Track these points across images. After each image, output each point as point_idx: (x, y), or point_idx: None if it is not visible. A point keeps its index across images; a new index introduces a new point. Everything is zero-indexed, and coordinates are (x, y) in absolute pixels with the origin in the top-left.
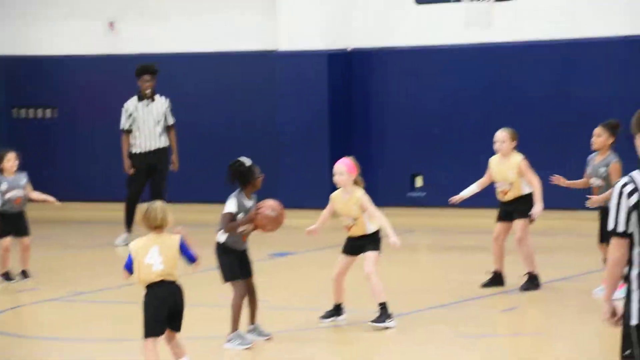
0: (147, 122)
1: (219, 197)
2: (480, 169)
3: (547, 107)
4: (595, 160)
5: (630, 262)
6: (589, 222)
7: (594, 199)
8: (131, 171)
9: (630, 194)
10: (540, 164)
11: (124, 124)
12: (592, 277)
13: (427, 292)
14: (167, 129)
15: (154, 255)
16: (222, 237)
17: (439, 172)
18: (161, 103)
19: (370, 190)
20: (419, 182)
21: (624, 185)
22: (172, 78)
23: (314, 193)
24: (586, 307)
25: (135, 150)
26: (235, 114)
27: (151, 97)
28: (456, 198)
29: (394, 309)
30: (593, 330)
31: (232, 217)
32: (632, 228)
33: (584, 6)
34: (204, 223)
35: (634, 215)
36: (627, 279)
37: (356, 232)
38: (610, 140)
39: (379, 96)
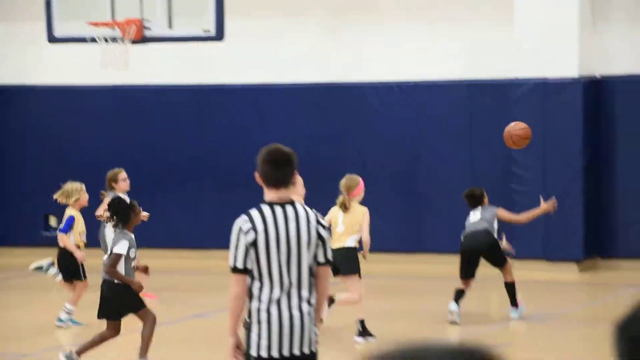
0: None
1: None
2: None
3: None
4: None
5: (250, 296)
6: None
7: None
8: None
9: (248, 231)
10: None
11: None
12: None
13: None
14: None
15: None
16: None
17: None
18: None
19: (1, 229)
20: (52, 221)
21: (243, 223)
22: None
23: None
24: None
25: None
26: None
27: None
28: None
29: None
30: None
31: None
32: (251, 264)
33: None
34: None
35: (251, 252)
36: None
37: None
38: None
39: (21, 133)
